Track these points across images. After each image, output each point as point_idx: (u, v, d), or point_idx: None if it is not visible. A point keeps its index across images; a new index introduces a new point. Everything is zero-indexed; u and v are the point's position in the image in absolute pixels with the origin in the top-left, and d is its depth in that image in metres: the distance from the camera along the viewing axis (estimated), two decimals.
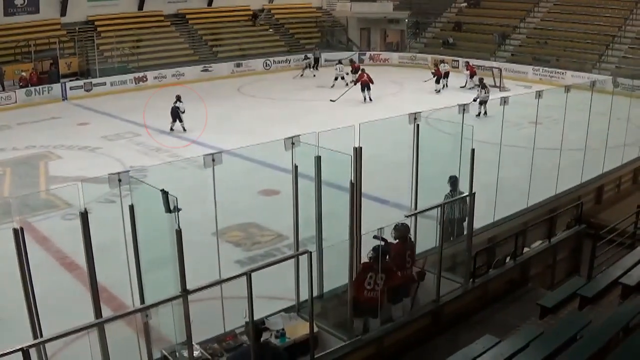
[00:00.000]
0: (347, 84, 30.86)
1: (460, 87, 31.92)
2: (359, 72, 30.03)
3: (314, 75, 36.12)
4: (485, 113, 23.89)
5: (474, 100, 23.28)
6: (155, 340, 7.39)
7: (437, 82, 31.39)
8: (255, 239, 13.76)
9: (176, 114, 23.35)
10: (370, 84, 28.44)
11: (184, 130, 23.39)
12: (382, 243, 8.64)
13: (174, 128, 23.50)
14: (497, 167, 12.14)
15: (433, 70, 32.60)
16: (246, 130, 22.75)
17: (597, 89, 15.14)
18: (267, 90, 32.58)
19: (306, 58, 37.28)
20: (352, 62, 36.32)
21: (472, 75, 32.00)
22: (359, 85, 28.75)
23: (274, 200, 15.66)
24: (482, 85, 25.84)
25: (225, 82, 35.07)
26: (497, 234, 11.66)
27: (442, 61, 34.03)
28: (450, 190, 10.75)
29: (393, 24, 44.73)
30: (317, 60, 39.55)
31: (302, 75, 36.00)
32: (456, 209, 10.71)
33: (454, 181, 10.63)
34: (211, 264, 8.04)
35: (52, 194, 16.39)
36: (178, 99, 23.50)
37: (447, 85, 32.10)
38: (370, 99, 28.53)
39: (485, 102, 24.08)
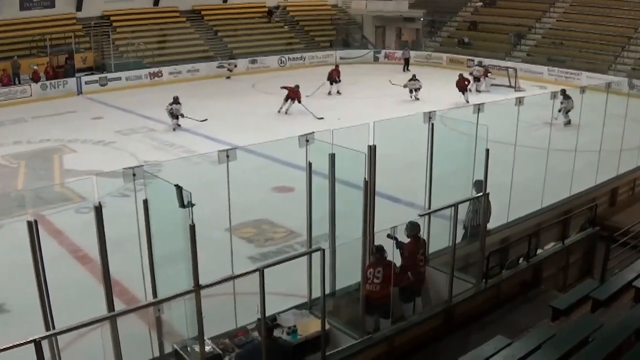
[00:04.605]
0: (416, 98, 28.67)
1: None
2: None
3: (228, 78, 35.11)
4: (570, 122, 23.31)
5: (559, 111, 22.46)
6: (166, 334, 7.42)
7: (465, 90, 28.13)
8: (268, 235, 13.77)
9: (172, 114, 23.17)
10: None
11: (174, 129, 23.07)
12: (395, 241, 8.69)
13: (175, 126, 23.29)
14: (511, 168, 12.08)
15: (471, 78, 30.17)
16: (261, 127, 22.80)
17: (613, 90, 15.04)
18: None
19: (231, 58, 35.36)
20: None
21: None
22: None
23: (288, 197, 15.68)
24: (565, 95, 24.68)
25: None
26: (510, 235, 11.58)
27: (480, 63, 32.41)
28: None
29: (408, 22, 44.64)
30: (407, 61, 38.44)
31: (228, 77, 35.00)
32: (478, 215, 10.06)
33: (479, 186, 9.65)
34: (224, 259, 8.07)
35: (66, 187, 16.48)
36: (175, 100, 23.19)
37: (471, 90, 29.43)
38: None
39: (569, 111, 23.38)
